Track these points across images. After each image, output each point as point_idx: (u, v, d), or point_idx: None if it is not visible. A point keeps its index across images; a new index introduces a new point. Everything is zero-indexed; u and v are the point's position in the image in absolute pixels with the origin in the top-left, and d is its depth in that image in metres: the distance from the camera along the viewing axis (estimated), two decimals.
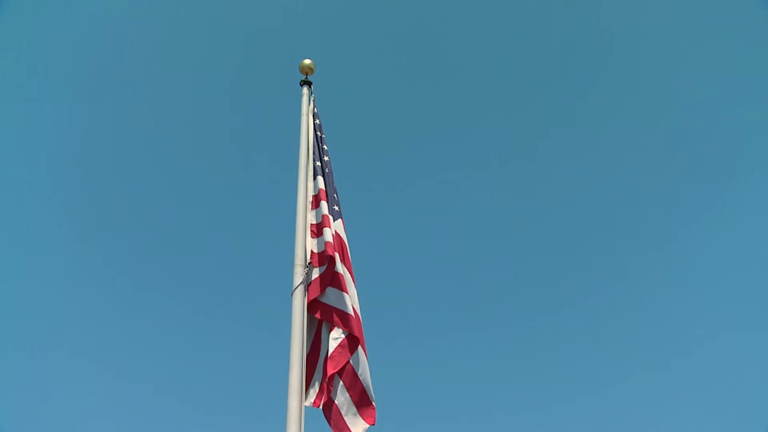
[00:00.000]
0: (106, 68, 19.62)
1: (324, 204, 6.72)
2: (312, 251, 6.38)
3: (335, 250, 6.35)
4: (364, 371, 6.05)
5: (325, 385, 5.93)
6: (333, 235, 6.48)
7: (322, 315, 6.21)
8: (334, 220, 6.72)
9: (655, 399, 16.58)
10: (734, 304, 17.58)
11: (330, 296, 6.24)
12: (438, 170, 21.44)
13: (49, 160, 18.53)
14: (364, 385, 5.99)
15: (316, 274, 6.28)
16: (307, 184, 6.87)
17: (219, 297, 19.12)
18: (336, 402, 5.91)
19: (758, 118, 18.30)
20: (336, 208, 6.96)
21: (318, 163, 7.13)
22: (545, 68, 21.42)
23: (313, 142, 7.33)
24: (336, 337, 6.10)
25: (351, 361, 6.03)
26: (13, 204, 17.78)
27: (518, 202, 21.37)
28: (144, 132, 20.11)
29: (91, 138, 19.43)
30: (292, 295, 5.99)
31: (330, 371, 5.92)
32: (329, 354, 6.01)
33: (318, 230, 6.56)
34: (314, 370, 6.07)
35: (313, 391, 5.97)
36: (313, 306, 6.20)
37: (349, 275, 6.47)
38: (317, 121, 7.57)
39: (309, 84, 7.77)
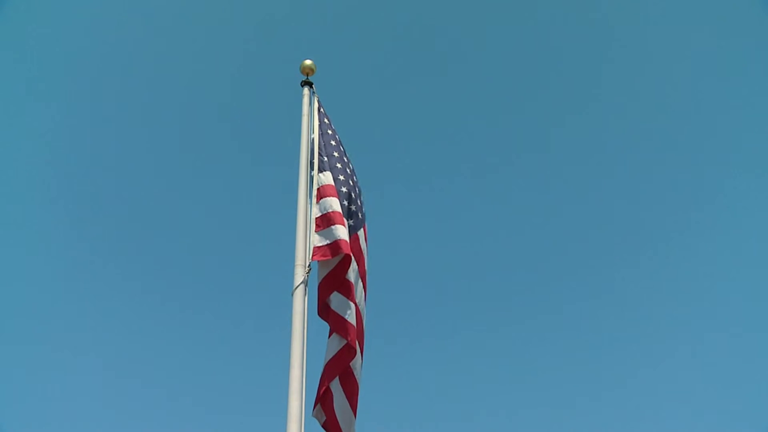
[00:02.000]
0: (105, 68, 19.66)
1: (334, 201, 6.46)
2: (315, 246, 6.18)
3: (350, 250, 6.16)
4: (359, 376, 6.07)
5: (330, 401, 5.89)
6: (351, 237, 6.33)
7: (327, 318, 6.13)
8: (354, 227, 6.57)
9: (654, 399, 16.60)
10: (734, 304, 17.61)
11: (333, 301, 6.13)
12: (439, 171, 21.47)
13: (49, 159, 18.57)
14: (357, 387, 6.01)
15: (324, 270, 6.19)
16: (307, 184, 6.81)
17: (219, 297, 19.16)
18: (336, 412, 5.87)
19: (758, 119, 18.33)
20: (360, 215, 6.82)
21: (325, 159, 6.93)
22: (545, 68, 21.44)
23: (320, 140, 7.17)
24: (336, 344, 6.00)
25: (351, 365, 5.99)
26: (14, 204, 17.81)
27: (518, 203, 21.41)
28: (145, 132, 20.15)
29: (92, 138, 19.47)
30: (292, 294, 5.98)
31: (326, 383, 5.86)
32: (328, 361, 5.95)
33: (323, 223, 6.32)
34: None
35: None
36: (322, 308, 6.16)
37: (362, 284, 6.37)
38: (326, 120, 7.44)
39: (310, 84, 7.77)
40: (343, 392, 5.92)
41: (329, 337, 6.08)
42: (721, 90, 19.37)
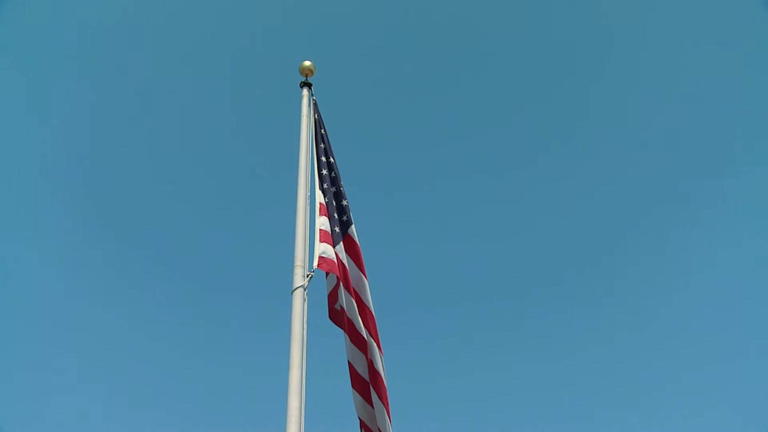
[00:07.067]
0: (105, 68, 19.66)
1: (325, 219, 6.61)
2: (321, 256, 6.22)
3: (337, 270, 6.39)
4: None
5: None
6: (344, 238, 6.64)
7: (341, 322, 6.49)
8: (342, 235, 6.78)
9: (655, 399, 16.62)
10: (734, 304, 17.62)
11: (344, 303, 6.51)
12: (439, 173, 21.48)
13: (49, 160, 18.58)
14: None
15: (331, 283, 6.55)
16: (307, 185, 6.82)
17: (220, 297, 19.17)
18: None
19: (757, 120, 18.34)
20: (345, 218, 6.99)
21: (324, 172, 7.03)
22: (544, 71, 21.44)
23: (317, 150, 7.21)
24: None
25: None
26: (14, 204, 17.82)
27: (518, 205, 21.42)
28: (144, 133, 20.15)
29: (91, 139, 19.48)
30: (291, 295, 5.99)
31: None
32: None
33: (325, 238, 6.45)
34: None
35: None
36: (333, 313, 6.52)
37: (358, 295, 6.68)
38: (322, 131, 7.44)
39: (309, 86, 7.76)
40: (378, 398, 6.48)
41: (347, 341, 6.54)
42: (721, 90, 19.39)
